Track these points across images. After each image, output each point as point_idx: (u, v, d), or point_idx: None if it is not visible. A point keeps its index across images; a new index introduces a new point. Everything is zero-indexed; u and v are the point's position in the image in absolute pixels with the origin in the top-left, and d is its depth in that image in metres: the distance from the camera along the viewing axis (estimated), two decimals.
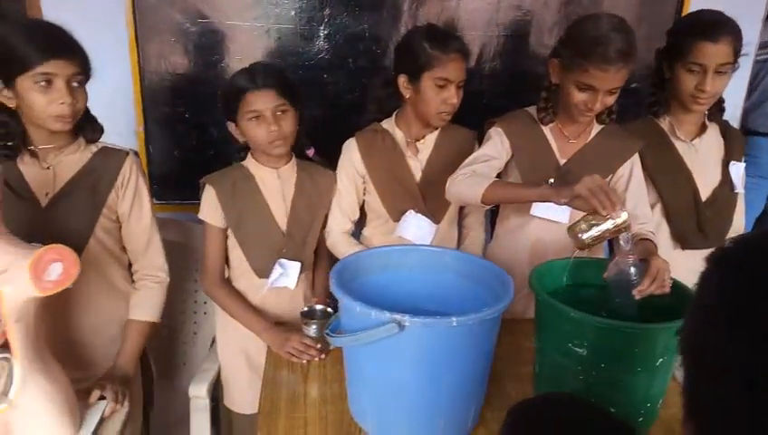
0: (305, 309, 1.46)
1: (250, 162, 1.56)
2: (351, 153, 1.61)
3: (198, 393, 1.59)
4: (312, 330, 1.42)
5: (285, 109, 1.47)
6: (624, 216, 1.13)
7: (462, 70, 1.49)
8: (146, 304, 1.42)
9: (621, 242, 1.17)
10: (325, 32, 2.12)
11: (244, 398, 1.61)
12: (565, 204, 1.18)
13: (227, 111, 1.50)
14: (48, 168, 1.32)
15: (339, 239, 1.64)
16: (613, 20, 1.33)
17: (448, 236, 1.68)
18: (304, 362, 1.40)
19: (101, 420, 1.19)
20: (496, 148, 1.49)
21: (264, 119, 1.44)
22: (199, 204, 1.57)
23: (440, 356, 1.04)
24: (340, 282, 1.12)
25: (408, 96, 1.54)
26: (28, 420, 1.09)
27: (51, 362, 1.13)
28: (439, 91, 1.48)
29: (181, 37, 2.10)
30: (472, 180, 1.36)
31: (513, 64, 2.19)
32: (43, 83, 1.21)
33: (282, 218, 1.56)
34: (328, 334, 1.13)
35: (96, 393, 1.24)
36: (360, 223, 1.74)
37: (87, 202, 1.34)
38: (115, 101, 2.19)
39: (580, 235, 1.17)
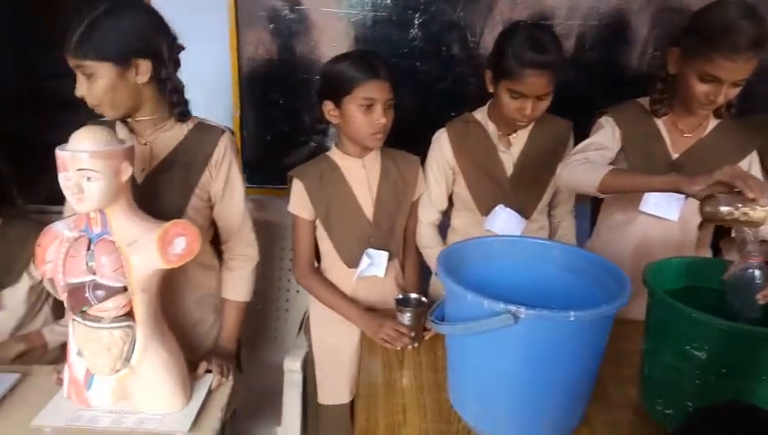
0: (400, 297, 1.46)
1: (335, 153, 1.57)
2: (442, 144, 1.60)
3: (293, 367, 1.64)
4: (406, 318, 1.42)
5: (392, 104, 1.47)
6: (764, 210, 1.06)
7: (539, 85, 1.41)
8: (241, 285, 1.45)
9: (747, 241, 1.11)
10: (420, 20, 2.11)
11: (334, 389, 1.64)
12: (698, 194, 1.11)
13: (329, 92, 1.48)
14: (145, 144, 1.35)
15: (425, 232, 1.64)
16: (744, 6, 1.24)
17: (537, 231, 1.64)
18: (398, 348, 1.40)
19: (209, 392, 1.24)
20: (607, 137, 1.43)
21: (376, 109, 1.44)
22: (289, 189, 1.59)
23: (552, 351, 1.01)
24: (447, 269, 1.11)
25: (491, 92, 1.51)
26: (146, 385, 1.14)
27: (167, 332, 1.18)
28: (511, 102, 1.44)
29: (279, 24, 2.15)
30: (588, 166, 1.31)
31: (610, 55, 2.11)
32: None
33: (368, 208, 1.56)
34: (434, 322, 1.13)
35: (203, 366, 1.29)
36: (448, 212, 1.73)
37: (181, 180, 1.34)
38: (214, 85, 2.26)
39: (716, 205, 1.09)
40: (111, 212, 1.06)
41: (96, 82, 1.20)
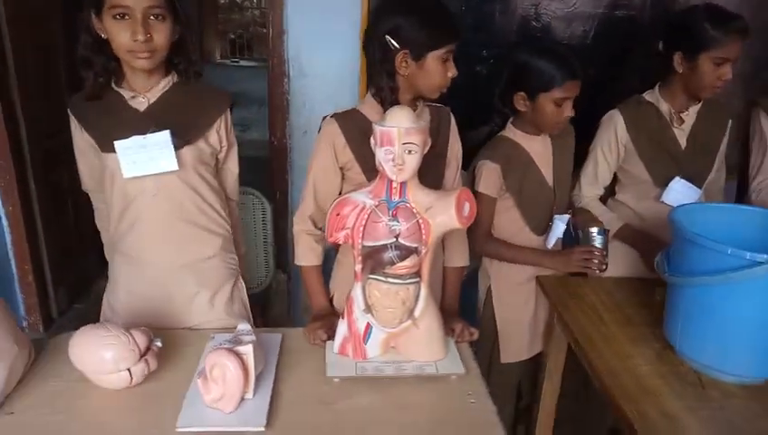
0: (588, 229, 1.68)
1: (515, 133, 1.71)
2: (616, 124, 1.77)
3: None
4: (597, 240, 1.66)
5: None
6: None
7: (740, 49, 1.59)
8: (460, 252, 1.58)
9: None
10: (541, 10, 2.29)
11: (516, 349, 1.80)
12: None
13: (525, 85, 1.62)
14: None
15: (593, 204, 1.81)
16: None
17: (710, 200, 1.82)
18: (597, 272, 1.65)
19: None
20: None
21: (567, 106, 1.63)
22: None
23: None
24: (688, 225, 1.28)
25: (681, 71, 1.67)
26: (422, 336, 1.29)
27: (437, 290, 1.32)
28: (716, 69, 1.62)
29: None
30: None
31: None
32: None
33: (549, 178, 1.74)
34: (671, 275, 1.30)
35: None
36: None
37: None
38: (343, 76, 2.40)
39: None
40: (410, 181, 1.20)
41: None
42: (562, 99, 1.58)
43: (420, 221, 1.21)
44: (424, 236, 1.21)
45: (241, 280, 1.57)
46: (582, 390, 1.88)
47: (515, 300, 1.79)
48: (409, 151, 1.14)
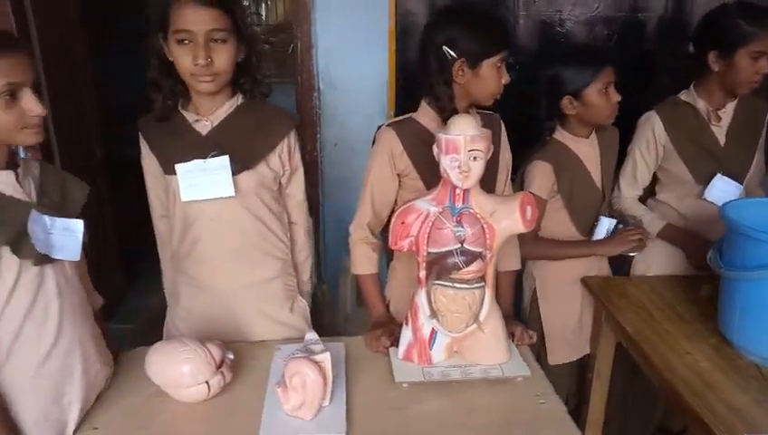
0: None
1: (564, 136, 1.74)
2: (653, 125, 1.80)
3: None
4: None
5: None
6: None
7: None
8: (513, 256, 1.60)
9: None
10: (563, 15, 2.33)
11: (564, 350, 1.82)
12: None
13: (567, 88, 1.67)
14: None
15: (633, 205, 1.85)
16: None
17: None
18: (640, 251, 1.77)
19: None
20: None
21: (611, 91, 1.67)
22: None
23: None
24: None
25: (716, 69, 1.71)
26: (487, 339, 1.31)
27: None
28: (753, 64, 1.65)
29: None
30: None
31: None
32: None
33: (597, 180, 1.77)
34: (726, 270, 1.32)
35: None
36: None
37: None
38: (371, 87, 2.44)
39: None
40: (473, 188, 1.23)
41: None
42: (606, 84, 1.65)
43: (485, 226, 1.24)
44: (488, 241, 1.24)
45: (300, 298, 1.57)
46: (629, 389, 1.90)
47: (561, 301, 1.81)
48: (474, 158, 1.17)
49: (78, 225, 1.13)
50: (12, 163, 1.08)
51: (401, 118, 1.47)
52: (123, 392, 1.26)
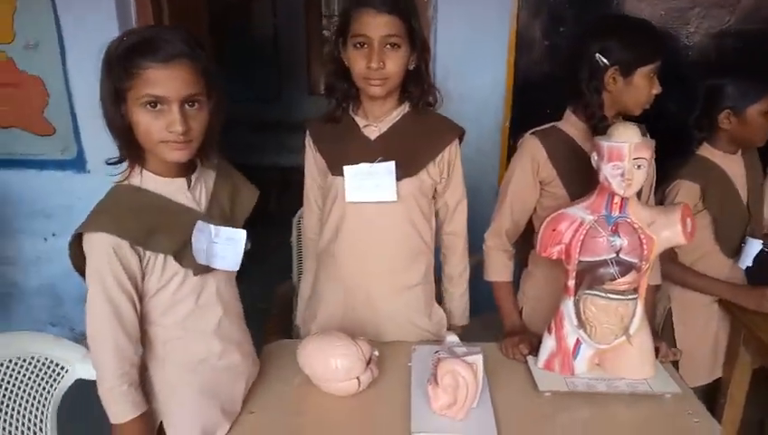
0: None
1: (712, 153, 1.68)
2: None
3: None
4: None
5: None
6: None
7: None
8: (656, 271, 1.52)
9: None
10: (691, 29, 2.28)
11: (698, 372, 1.75)
12: None
13: (726, 105, 1.63)
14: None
15: None
16: None
17: None
18: None
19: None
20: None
21: None
22: None
23: None
24: None
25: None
26: (635, 353, 1.28)
27: None
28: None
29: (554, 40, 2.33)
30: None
31: None
32: None
33: (744, 199, 1.70)
34: None
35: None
36: None
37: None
38: (488, 98, 2.45)
39: None
40: (630, 197, 1.21)
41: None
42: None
43: (642, 236, 1.21)
44: (645, 252, 1.21)
45: (438, 306, 1.54)
46: (766, 417, 1.79)
47: (697, 322, 1.74)
48: (638, 166, 1.16)
49: (241, 235, 1.17)
50: (187, 170, 1.11)
51: (545, 127, 1.47)
52: (272, 382, 1.31)
